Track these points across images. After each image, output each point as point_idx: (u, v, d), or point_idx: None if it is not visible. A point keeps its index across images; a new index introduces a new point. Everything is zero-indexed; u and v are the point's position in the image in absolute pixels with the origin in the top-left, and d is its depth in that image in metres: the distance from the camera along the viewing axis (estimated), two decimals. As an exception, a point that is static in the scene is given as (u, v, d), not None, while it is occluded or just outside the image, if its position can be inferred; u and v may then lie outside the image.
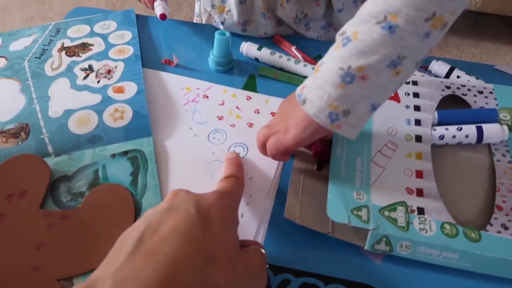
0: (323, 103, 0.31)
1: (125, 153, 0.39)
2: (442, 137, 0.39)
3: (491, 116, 0.40)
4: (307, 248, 0.35)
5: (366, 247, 0.33)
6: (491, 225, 0.33)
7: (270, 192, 0.38)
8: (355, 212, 0.33)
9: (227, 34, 0.47)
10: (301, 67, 0.48)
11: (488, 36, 1.64)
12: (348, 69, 0.30)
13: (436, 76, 0.49)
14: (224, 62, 0.49)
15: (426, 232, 0.32)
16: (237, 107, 0.45)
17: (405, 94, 0.42)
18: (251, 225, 0.36)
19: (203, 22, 0.61)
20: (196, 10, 0.65)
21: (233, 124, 0.43)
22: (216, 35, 0.47)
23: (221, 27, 0.56)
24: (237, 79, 0.49)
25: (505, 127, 0.38)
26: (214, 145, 0.41)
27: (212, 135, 0.42)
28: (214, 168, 0.39)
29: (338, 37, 0.32)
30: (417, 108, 0.41)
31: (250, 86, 0.48)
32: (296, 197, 0.37)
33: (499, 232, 0.32)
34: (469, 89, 0.43)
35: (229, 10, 0.53)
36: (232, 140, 0.42)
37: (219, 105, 0.45)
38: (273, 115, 0.44)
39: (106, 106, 0.43)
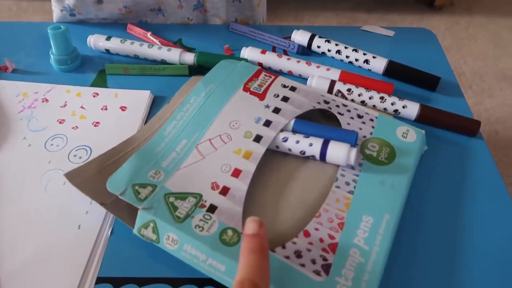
0: None
1: None
2: (285, 140, 0.34)
3: (349, 139, 0.34)
4: (157, 252, 0.30)
5: (134, 230, 0.29)
6: (284, 247, 0.28)
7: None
8: (136, 187, 0.30)
9: (62, 27, 0.42)
10: (156, 51, 0.44)
11: (393, 8, 1.69)
12: None
13: (299, 45, 0.47)
14: (66, 59, 0.43)
15: (202, 230, 0.28)
16: (81, 107, 0.40)
17: (274, 95, 0.38)
18: (90, 236, 0.31)
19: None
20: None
21: (76, 126, 0.38)
22: (50, 31, 0.42)
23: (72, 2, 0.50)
24: (85, 77, 0.44)
25: (354, 152, 0.32)
26: (52, 152, 0.36)
27: (50, 142, 0.37)
28: (50, 178, 0.34)
29: None
30: (277, 110, 0.36)
31: (99, 82, 0.43)
32: (100, 164, 0.33)
33: (287, 257, 0.27)
34: (348, 110, 0.37)
35: None
36: (73, 144, 0.37)
37: (61, 107, 0.40)
38: (123, 110, 0.40)
39: None
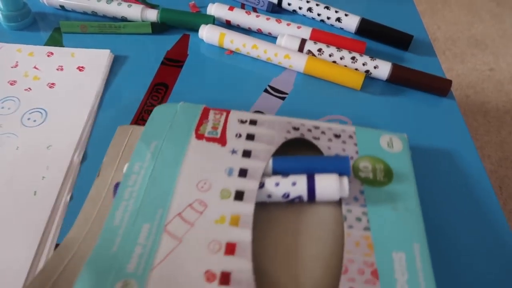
0: None
1: None
2: (261, 185, 0.28)
3: (342, 166, 0.29)
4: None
5: None
6: None
7: (72, 162, 0.32)
8: None
9: (9, -21, 0.38)
10: (115, 7, 0.41)
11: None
12: None
13: (269, 2, 0.45)
14: (16, 16, 0.40)
15: None
16: (35, 67, 0.37)
17: (236, 135, 0.31)
18: (47, 202, 0.29)
19: None
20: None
21: (29, 88, 0.36)
22: (-5, -17, 0.38)
23: None
24: (38, 35, 0.40)
25: (346, 181, 0.28)
26: (3, 116, 0.34)
27: (1, 105, 0.34)
28: (1, 143, 0.32)
29: None
30: (246, 153, 0.30)
31: (54, 41, 0.40)
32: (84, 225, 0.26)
33: None
34: (323, 132, 0.32)
35: None
36: (27, 106, 0.34)
37: (12, 67, 0.37)
38: (80, 70, 0.37)
39: None
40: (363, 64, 0.39)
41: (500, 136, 1.13)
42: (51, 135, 0.33)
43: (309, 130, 0.32)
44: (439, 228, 0.30)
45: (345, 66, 0.39)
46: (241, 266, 0.24)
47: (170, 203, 0.26)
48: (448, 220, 0.30)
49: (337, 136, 0.32)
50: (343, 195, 0.27)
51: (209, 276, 0.23)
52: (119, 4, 0.41)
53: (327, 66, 0.38)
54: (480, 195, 0.32)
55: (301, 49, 0.39)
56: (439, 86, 0.38)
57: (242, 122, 0.32)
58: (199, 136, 0.30)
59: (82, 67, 0.37)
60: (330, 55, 0.39)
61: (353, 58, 0.39)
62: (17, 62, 0.38)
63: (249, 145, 0.30)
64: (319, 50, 0.39)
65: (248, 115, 0.32)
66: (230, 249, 0.24)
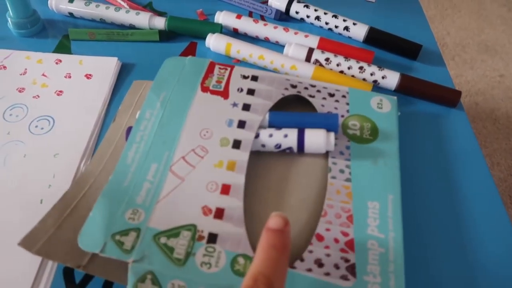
0: None
1: None
2: (257, 136, 0.31)
3: (331, 123, 0.31)
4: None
5: (128, 287, 0.24)
6: (302, 260, 0.25)
7: (79, 170, 0.32)
8: (117, 238, 0.25)
9: (19, -13, 0.39)
10: (123, 14, 0.41)
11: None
12: None
13: (277, 10, 0.45)
14: (25, 23, 0.40)
15: (210, 267, 0.24)
16: (43, 75, 0.37)
17: (238, 90, 0.33)
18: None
19: None
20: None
21: (37, 95, 0.36)
22: (5, -10, 0.38)
23: None
24: (47, 42, 0.41)
25: (332, 136, 0.30)
26: (11, 123, 0.34)
27: (9, 112, 0.35)
28: (8, 151, 0.32)
29: None
30: (246, 107, 0.32)
31: (62, 48, 0.40)
32: (57, 217, 0.28)
33: (309, 270, 0.25)
34: (318, 91, 0.34)
35: None
36: (34, 114, 0.35)
37: (21, 75, 0.37)
38: (88, 78, 0.37)
39: None
40: (371, 74, 0.38)
41: (510, 143, 1.11)
42: (58, 143, 0.33)
43: (306, 88, 0.34)
44: (434, 241, 0.29)
45: (353, 76, 0.39)
46: (234, 204, 0.27)
47: (175, 147, 0.30)
48: (454, 228, 0.30)
49: (331, 95, 0.34)
50: (329, 149, 0.30)
51: (206, 211, 0.27)
52: (127, 11, 0.41)
53: (334, 76, 0.38)
54: (490, 209, 0.31)
55: (308, 59, 0.39)
56: (448, 97, 0.38)
57: (245, 77, 0.35)
58: (204, 89, 0.33)
59: (90, 74, 0.38)
60: (337, 65, 0.39)
61: (361, 68, 0.38)
62: (26, 69, 0.38)
63: (249, 99, 0.33)
64: (327, 59, 0.39)
65: (250, 71, 0.35)
66: (225, 189, 0.28)
